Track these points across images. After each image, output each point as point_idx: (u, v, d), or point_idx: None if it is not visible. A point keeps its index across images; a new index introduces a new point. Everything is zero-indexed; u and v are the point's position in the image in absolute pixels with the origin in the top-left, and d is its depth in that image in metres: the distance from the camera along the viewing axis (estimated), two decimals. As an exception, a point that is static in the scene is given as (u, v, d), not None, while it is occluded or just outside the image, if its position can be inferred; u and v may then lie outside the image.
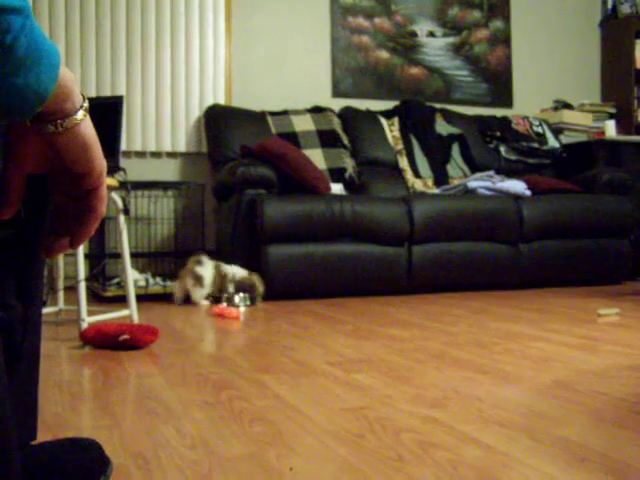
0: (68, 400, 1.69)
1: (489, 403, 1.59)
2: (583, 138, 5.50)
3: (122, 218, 2.88)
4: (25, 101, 0.68)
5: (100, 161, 0.81)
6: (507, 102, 5.84)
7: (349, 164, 4.72)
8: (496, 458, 1.21)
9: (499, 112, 5.68)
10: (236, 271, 3.78)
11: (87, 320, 2.60)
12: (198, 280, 3.74)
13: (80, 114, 0.76)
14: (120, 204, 2.86)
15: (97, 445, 1.11)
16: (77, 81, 0.77)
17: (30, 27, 0.66)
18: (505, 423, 1.43)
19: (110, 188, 2.78)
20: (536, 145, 5.28)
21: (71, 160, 0.79)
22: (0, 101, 0.68)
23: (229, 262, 3.90)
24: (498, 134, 5.32)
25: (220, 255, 4.52)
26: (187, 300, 3.80)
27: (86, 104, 0.77)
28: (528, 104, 5.86)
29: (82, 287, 2.62)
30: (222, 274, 3.78)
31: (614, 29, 6.04)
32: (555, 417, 1.47)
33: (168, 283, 4.07)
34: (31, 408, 1.01)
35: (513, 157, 5.28)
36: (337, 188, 4.42)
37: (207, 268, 3.79)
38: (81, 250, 2.69)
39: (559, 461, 1.19)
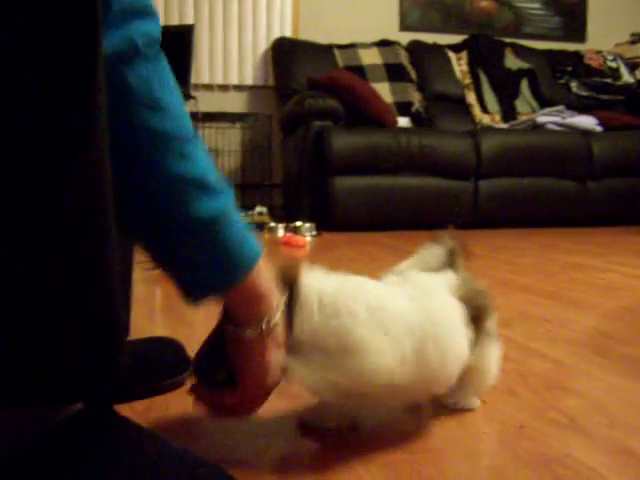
0: (146, 313, 1.77)
1: (556, 324, 1.61)
2: (659, 73, 5.32)
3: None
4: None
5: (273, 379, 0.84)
6: (580, 36, 5.67)
7: (416, 98, 4.68)
8: (563, 370, 1.24)
9: (571, 47, 5.50)
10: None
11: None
12: None
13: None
14: (191, 132, 2.90)
15: (181, 345, 1.18)
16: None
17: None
18: (572, 341, 1.45)
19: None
20: (609, 80, 5.14)
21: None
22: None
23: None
24: (569, 69, 5.18)
25: (286, 188, 4.57)
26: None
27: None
28: (602, 38, 5.67)
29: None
30: None
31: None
32: (621, 337, 1.49)
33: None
34: (127, 305, 1.08)
35: (584, 93, 5.15)
36: (404, 121, 4.40)
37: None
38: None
39: (624, 374, 1.21)
